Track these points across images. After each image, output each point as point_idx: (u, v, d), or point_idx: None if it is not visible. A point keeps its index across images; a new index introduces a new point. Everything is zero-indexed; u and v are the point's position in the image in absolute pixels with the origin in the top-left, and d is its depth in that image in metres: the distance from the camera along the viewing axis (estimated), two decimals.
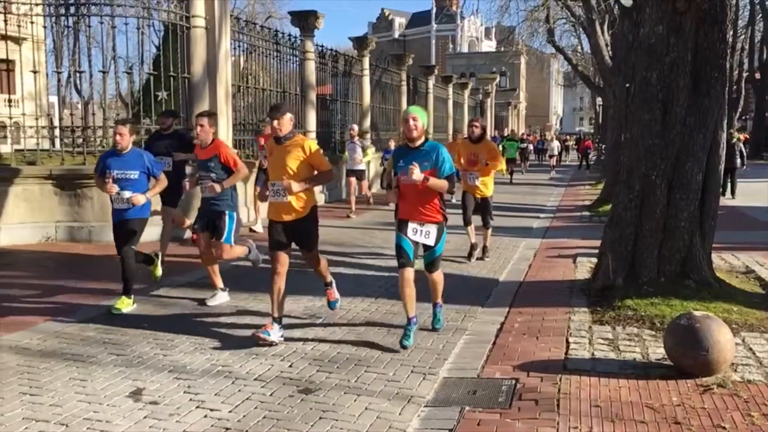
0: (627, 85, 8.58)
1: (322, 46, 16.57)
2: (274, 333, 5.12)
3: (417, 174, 4.77)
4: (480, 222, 8.83)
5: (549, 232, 11.19)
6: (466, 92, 33.44)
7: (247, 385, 4.30)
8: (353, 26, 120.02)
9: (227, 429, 3.68)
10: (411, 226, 4.99)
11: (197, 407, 3.94)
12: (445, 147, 6.78)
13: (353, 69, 18.65)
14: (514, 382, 4.34)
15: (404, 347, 4.98)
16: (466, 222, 8.61)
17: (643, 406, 3.91)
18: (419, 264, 5.26)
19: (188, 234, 8.86)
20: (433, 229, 5.05)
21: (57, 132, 11.51)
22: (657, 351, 4.81)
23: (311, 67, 15.52)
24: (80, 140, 10.90)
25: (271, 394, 4.16)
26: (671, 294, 5.91)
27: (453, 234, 8.24)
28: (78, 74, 11.22)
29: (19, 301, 6.38)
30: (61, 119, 11.87)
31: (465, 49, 77.07)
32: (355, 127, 14.54)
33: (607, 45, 19.15)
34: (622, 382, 4.28)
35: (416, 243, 5.05)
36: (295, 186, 5.04)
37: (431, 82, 26.43)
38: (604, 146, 27.95)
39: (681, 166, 6.17)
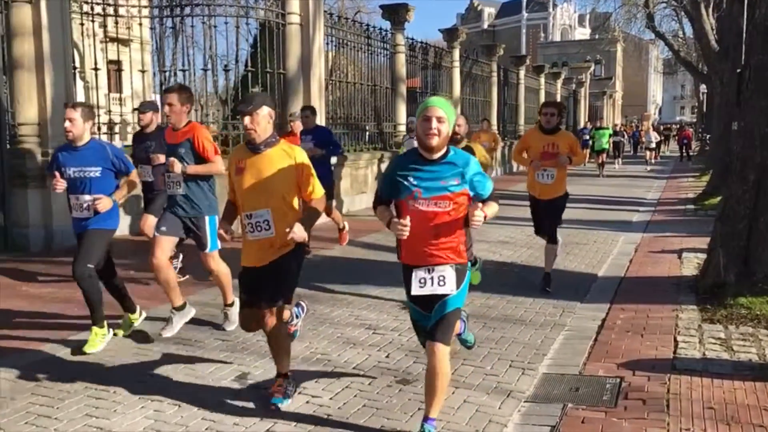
0: (738, 70, 8.05)
1: (412, 39, 16.57)
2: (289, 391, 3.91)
3: (479, 216, 3.21)
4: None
5: (650, 227, 10.71)
6: (559, 82, 32.51)
7: (345, 374, 4.36)
8: (441, 18, 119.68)
9: (328, 415, 3.75)
10: (416, 276, 3.34)
11: (299, 393, 4.03)
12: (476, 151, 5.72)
13: (443, 61, 18.55)
14: (619, 380, 4.19)
15: None
16: (541, 234, 6.83)
17: (761, 410, 3.68)
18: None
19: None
20: (447, 271, 3.32)
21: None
22: None
23: (401, 60, 15.53)
24: None
25: (369, 384, 4.21)
26: None
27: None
28: (180, 72, 11.71)
29: (129, 288, 6.74)
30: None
31: (557, 38, 74.93)
32: (414, 119, 13.08)
33: (712, 29, 18.12)
34: (737, 384, 4.04)
35: (429, 302, 3.35)
36: (302, 232, 3.55)
37: (522, 72, 25.86)
38: (708, 136, 26.47)
39: None
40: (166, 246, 5.02)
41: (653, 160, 26.89)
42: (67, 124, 4.74)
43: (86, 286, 4.72)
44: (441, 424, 3.60)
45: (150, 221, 6.31)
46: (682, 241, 8.98)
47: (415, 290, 3.36)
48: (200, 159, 4.99)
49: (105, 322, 4.87)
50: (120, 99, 20.01)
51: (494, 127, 21.84)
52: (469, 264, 3.49)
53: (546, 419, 3.68)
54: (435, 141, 3.23)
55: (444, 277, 3.32)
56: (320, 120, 11.73)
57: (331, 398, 3.98)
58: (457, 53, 19.07)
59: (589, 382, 4.18)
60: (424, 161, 3.31)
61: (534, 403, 3.92)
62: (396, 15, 15.26)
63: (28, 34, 8.61)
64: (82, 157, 4.76)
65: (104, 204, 4.71)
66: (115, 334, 5.00)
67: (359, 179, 13.34)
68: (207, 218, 5.10)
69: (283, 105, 11.23)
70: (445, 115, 3.25)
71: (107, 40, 11.54)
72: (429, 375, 3.33)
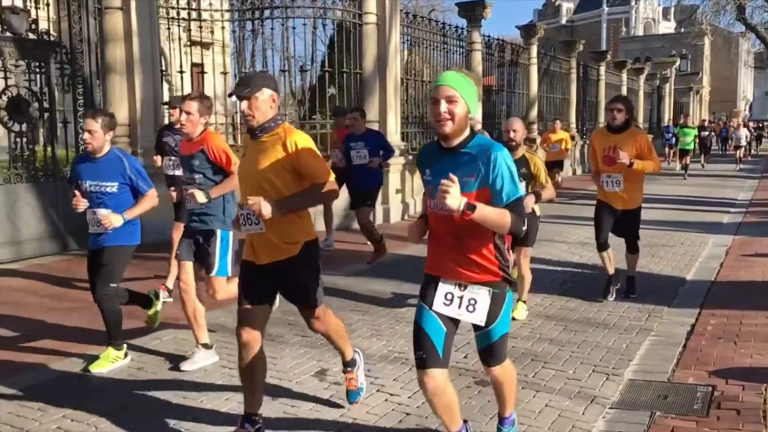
0: None
1: (489, 36, 16.38)
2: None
3: (452, 198, 2.56)
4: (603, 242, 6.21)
5: (742, 228, 10.14)
6: (642, 78, 31.30)
7: None
8: (518, 15, 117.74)
9: (407, 414, 3.74)
10: (442, 289, 2.87)
11: (377, 391, 4.05)
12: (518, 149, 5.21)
13: (520, 58, 18.24)
14: (710, 389, 3.99)
15: None
16: (600, 246, 6.12)
17: None
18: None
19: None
20: (482, 295, 2.83)
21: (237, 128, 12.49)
22: None
23: (477, 57, 15.36)
24: None
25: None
26: None
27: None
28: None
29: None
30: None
31: (640, 32, 72.32)
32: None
33: None
34: None
35: (451, 322, 2.90)
36: (267, 208, 3.11)
37: (602, 68, 25.06)
38: None
39: None
40: (189, 270, 4.54)
41: (743, 159, 25.46)
42: (86, 136, 4.39)
43: (106, 308, 4.46)
44: (522, 428, 3.53)
45: (181, 229, 5.79)
46: None
47: (438, 306, 2.85)
48: (216, 167, 4.43)
49: (125, 347, 4.61)
50: None
51: (573, 125, 21.30)
52: (508, 283, 2.91)
53: (633, 427, 3.54)
54: (449, 127, 2.70)
55: (475, 302, 2.83)
56: (395, 119, 11.77)
57: (409, 397, 3.97)
58: (534, 50, 18.71)
59: (679, 390, 4.00)
60: (441, 151, 2.82)
61: (620, 409, 3.79)
62: (473, 12, 15.12)
63: (120, 40, 9.03)
64: (99, 171, 4.41)
65: (110, 221, 4.29)
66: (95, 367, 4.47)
67: None
68: (218, 233, 4.44)
69: (360, 104, 11.31)
70: (458, 92, 2.69)
71: (191, 43, 11.97)
72: (496, 386, 3.17)
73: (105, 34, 9.01)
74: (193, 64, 18.88)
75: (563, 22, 77.39)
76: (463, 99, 2.70)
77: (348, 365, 3.81)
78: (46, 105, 8.48)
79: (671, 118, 33.50)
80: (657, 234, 9.31)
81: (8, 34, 8.04)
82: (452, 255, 2.82)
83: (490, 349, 2.97)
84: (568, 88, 21.70)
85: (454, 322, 2.91)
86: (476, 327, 2.92)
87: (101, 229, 4.39)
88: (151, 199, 4.53)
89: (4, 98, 8.09)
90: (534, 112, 18.63)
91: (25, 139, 8.37)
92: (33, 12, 8.40)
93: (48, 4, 8.77)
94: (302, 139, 3.26)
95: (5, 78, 8.07)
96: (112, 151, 4.49)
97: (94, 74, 8.95)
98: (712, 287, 6.53)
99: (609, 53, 27.38)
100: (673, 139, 22.33)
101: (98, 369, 4.43)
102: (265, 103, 3.23)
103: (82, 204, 4.37)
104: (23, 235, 8.09)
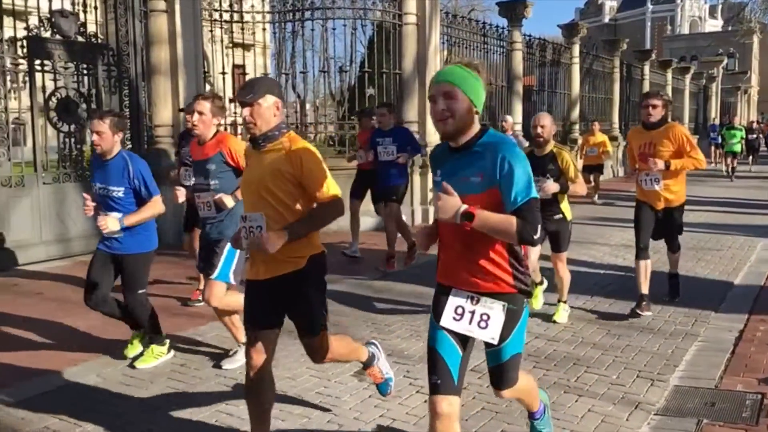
0: None
1: (530, 36, 16.21)
2: None
3: (446, 209, 2.44)
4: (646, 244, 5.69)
5: None
6: (687, 77, 30.54)
7: None
8: (559, 14, 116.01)
9: None
10: (452, 302, 2.63)
11: (417, 392, 4.04)
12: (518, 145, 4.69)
13: (561, 58, 18.00)
14: (760, 396, 3.87)
15: None
16: (640, 252, 5.57)
17: None
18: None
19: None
20: (495, 310, 2.59)
21: None
22: None
23: (518, 57, 15.23)
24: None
25: (487, 386, 4.09)
26: None
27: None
28: (297, 75, 12.12)
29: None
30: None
31: (685, 31, 70.64)
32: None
33: None
34: None
35: (463, 340, 2.64)
36: (273, 244, 2.87)
37: (647, 67, 24.56)
38: None
39: None
40: None
41: None
42: (94, 137, 4.27)
43: (139, 313, 4.50)
44: None
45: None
46: None
47: (446, 321, 2.61)
48: (235, 170, 4.28)
49: (167, 342, 4.65)
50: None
51: (615, 126, 20.93)
52: (525, 294, 2.66)
53: None
54: (449, 125, 2.49)
55: (488, 318, 2.58)
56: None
57: None
58: (576, 49, 18.44)
59: (726, 397, 3.89)
60: (450, 150, 2.61)
61: (665, 416, 3.70)
62: (513, 12, 15.01)
63: (164, 42, 9.21)
64: (106, 174, 4.32)
65: (106, 224, 4.16)
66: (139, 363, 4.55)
67: None
68: (229, 242, 4.12)
69: (399, 105, 11.32)
70: (456, 87, 2.47)
71: (232, 45, 12.15)
72: (517, 400, 3.11)
73: (150, 36, 9.21)
74: (235, 66, 19.23)
75: (606, 20, 76.07)
76: (463, 93, 2.49)
77: (366, 364, 3.65)
78: (93, 106, 8.70)
79: (716, 117, 32.58)
80: (703, 237, 9.08)
81: (58, 36, 8.28)
82: (462, 262, 2.61)
83: (499, 370, 2.73)
84: (611, 88, 21.33)
85: (464, 344, 2.65)
86: (487, 344, 2.67)
87: (116, 234, 4.29)
88: (155, 206, 4.38)
89: (54, 99, 8.33)
90: (576, 113, 18.37)
91: (73, 139, 8.60)
92: (81, 15, 8.63)
93: (96, 8, 8.99)
94: (307, 150, 3.03)
95: (55, 80, 8.32)
96: (120, 154, 4.36)
97: (140, 76, 9.16)
98: (761, 292, 6.33)
99: (653, 52, 26.74)
100: (719, 138, 21.68)
101: (143, 365, 4.52)
102: (268, 111, 3.00)
103: (89, 210, 4.29)
104: (71, 233, 8.32)
